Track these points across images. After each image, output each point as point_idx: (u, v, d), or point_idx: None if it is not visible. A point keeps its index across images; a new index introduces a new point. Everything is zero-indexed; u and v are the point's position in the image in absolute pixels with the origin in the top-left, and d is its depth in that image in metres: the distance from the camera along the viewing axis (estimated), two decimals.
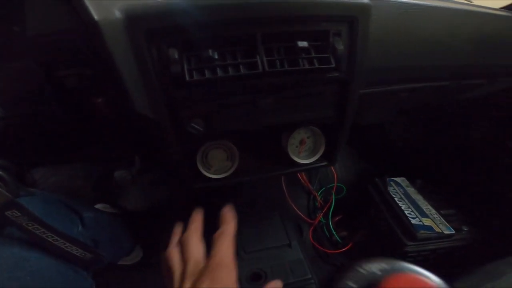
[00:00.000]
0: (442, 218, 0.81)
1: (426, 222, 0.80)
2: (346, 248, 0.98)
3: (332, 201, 1.06)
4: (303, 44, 0.42)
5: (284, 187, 1.01)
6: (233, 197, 0.93)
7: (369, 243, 0.98)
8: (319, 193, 1.11)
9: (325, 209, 1.07)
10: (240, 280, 0.70)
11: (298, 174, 1.10)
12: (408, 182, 0.95)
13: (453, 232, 0.78)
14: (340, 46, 0.44)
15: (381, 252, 0.92)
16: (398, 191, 0.90)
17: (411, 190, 0.91)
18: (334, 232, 1.01)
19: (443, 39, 0.56)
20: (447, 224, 0.79)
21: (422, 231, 0.77)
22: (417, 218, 0.81)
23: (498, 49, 0.63)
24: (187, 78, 0.40)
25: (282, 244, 0.74)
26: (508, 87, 0.78)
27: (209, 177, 0.55)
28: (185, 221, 1.01)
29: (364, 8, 0.43)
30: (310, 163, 0.59)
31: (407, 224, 0.80)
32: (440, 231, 0.78)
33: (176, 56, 0.39)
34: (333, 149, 0.59)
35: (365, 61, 0.48)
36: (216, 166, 0.56)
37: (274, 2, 0.40)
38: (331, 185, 1.11)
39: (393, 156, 1.14)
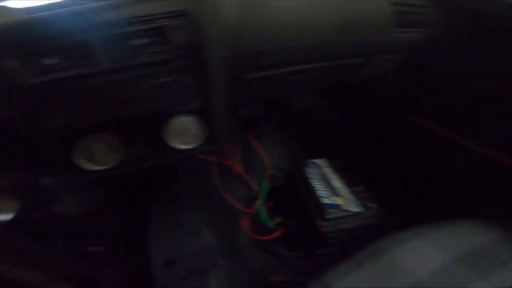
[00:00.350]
0: (352, 196, 0.86)
1: (337, 200, 0.84)
2: (276, 233, 1.02)
3: (264, 189, 1.10)
4: (138, 42, 0.46)
5: (215, 179, 1.05)
6: (163, 192, 0.95)
7: (298, 227, 1.02)
8: (255, 182, 1.15)
9: (263, 197, 1.11)
10: (153, 267, 0.73)
11: (233, 166, 1.13)
12: (327, 163, 1.00)
13: (361, 209, 0.82)
14: (178, 39, 0.47)
15: (307, 235, 0.96)
16: (316, 172, 0.95)
17: (328, 170, 0.96)
18: (266, 220, 1.05)
19: (303, 21, 0.60)
20: (357, 202, 0.84)
21: (330, 210, 0.81)
22: (328, 198, 0.85)
23: (361, 28, 0.66)
24: (29, 82, 0.43)
25: (192, 231, 0.78)
26: (399, 63, 0.83)
27: (93, 170, 0.58)
28: (122, 223, 1.02)
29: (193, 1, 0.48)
30: (193, 149, 0.62)
31: (319, 204, 0.84)
32: (349, 209, 0.82)
33: (18, 65, 0.43)
34: (215, 133, 0.63)
35: (217, 49, 0.52)
36: (99, 159, 0.59)
37: (105, 7, 0.44)
38: (266, 173, 1.15)
39: (318, 139, 1.18)
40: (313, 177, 0.92)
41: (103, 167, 0.59)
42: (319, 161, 1.00)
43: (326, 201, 0.84)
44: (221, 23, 0.53)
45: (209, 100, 0.58)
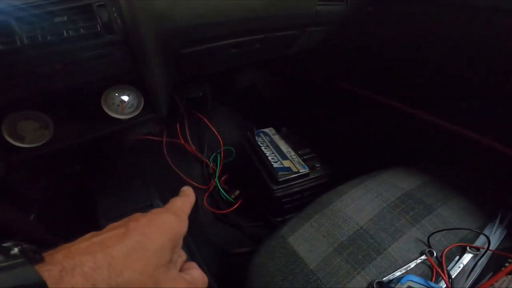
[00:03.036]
0: (299, 158, 0.90)
1: (286, 164, 0.87)
2: (236, 205, 1.04)
3: (218, 164, 1.11)
4: (60, 19, 0.47)
5: (167, 157, 1.04)
6: (110, 174, 0.92)
7: (255, 196, 1.05)
8: (211, 159, 1.16)
9: (219, 173, 1.12)
10: None
11: (186, 145, 1.13)
12: (274, 131, 1.03)
13: (308, 170, 0.86)
14: (104, 14, 0.49)
15: (264, 203, 0.99)
16: (265, 140, 0.98)
17: (276, 137, 0.99)
18: (223, 193, 1.06)
19: None
20: (303, 163, 0.87)
21: (281, 173, 0.84)
22: (278, 162, 0.88)
23: (287, 2, 0.71)
24: None
25: (145, 205, 0.77)
26: (328, 34, 0.88)
27: (25, 148, 0.55)
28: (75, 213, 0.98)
29: None
30: (134, 118, 0.62)
31: (270, 168, 0.86)
32: (297, 170, 0.85)
33: None
34: (153, 102, 0.62)
35: (146, 24, 0.55)
36: (29, 137, 0.56)
37: None
38: (220, 150, 1.16)
39: (265, 110, 1.23)
40: (263, 145, 0.95)
41: (33, 145, 0.56)
42: (267, 130, 1.04)
43: (276, 165, 0.86)
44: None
45: (144, 72, 0.58)
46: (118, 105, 0.61)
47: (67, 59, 0.49)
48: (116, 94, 0.60)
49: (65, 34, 0.47)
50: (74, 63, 0.50)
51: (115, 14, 0.50)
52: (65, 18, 0.47)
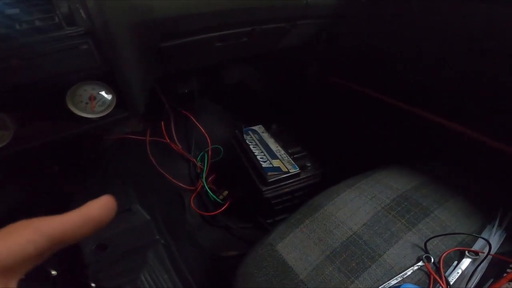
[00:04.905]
0: (289, 157, 0.85)
1: (275, 163, 0.83)
2: (224, 207, 1.00)
3: (205, 163, 1.06)
4: (12, 11, 0.42)
5: (151, 157, 0.99)
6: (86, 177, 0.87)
7: (244, 197, 1.00)
8: (198, 158, 1.11)
9: (206, 173, 1.08)
10: (84, 254, 0.66)
11: (172, 144, 1.08)
12: (264, 128, 0.99)
13: (299, 170, 0.82)
14: (64, 5, 0.45)
15: (254, 204, 0.94)
16: (254, 138, 0.93)
17: (265, 135, 0.95)
18: (211, 194, 1.02)
19: None
20: (294, 163, 0.83)
21: (270, 173, 0.80)
22: (268, 161, 0.84)
23: None
24: None
25: (122, 210, 0.72)
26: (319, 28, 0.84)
27: None
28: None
29: None
30: (105, 117, 0.56)
31: (259, 168, 0.82)
32: (287, 170, 0.81)
33: None
34: (127, 99, 0.57)
35: (116, 16, 0.50)
36: None
37: None
38: (207, 149, 1.11)
39: (255, 107, 1.20)
40: (252, 143, 0.91)
41: None
42: (256, 127, 0.99)
43: (265, 164, 0.82)
44: None
45: (116, 66, 0.53)
46: (87, 103, 0.55)
47: (23, 54, 0.45)
48: (85, 90, 0.54)
49: (18, 27, 0.43)
50: (32, 58, 0.45)
51: (77, 5, 0.46)
52: (18, 10, 0.43)
